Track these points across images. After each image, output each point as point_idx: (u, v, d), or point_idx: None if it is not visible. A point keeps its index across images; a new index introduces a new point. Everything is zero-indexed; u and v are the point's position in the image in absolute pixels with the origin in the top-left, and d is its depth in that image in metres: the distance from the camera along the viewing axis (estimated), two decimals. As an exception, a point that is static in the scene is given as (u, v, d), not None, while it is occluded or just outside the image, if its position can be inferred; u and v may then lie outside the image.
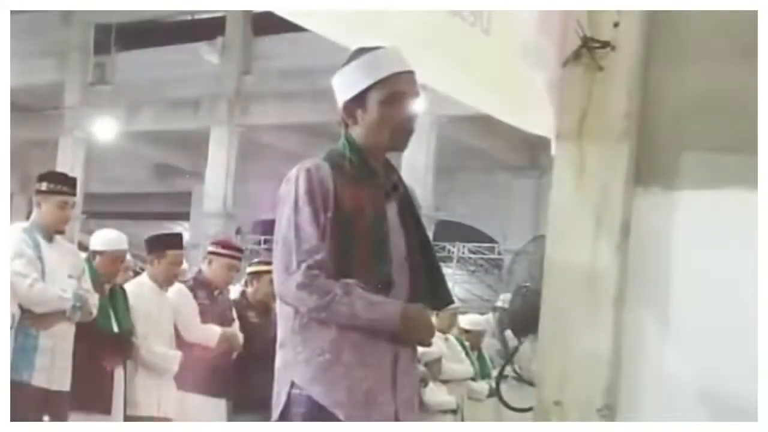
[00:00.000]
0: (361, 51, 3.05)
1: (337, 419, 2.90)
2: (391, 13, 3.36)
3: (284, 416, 2.95)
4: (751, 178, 3.52)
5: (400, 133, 3.04)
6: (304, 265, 2.89)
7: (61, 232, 5.72)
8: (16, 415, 5.04)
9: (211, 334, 6.21)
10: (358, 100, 3.03)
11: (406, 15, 3.42)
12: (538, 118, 4.18)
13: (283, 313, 3.02)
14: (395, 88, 3.01)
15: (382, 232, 3.01)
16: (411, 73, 3.04)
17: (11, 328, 5.20)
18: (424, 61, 3.19)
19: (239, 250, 6.76)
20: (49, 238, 5.60)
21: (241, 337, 6.39)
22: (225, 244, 6.62)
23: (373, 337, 2.94)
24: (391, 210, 3.08)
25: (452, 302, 3.37)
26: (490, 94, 4.03)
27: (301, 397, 2.93)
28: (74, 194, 5.75)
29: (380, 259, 2.98)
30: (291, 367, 2.96)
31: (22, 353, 5.37)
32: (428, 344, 3.24)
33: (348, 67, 3.05)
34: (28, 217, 5.75)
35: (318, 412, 2.90)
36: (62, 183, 5.70)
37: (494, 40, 3.81)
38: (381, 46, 3.06)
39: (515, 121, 4.37)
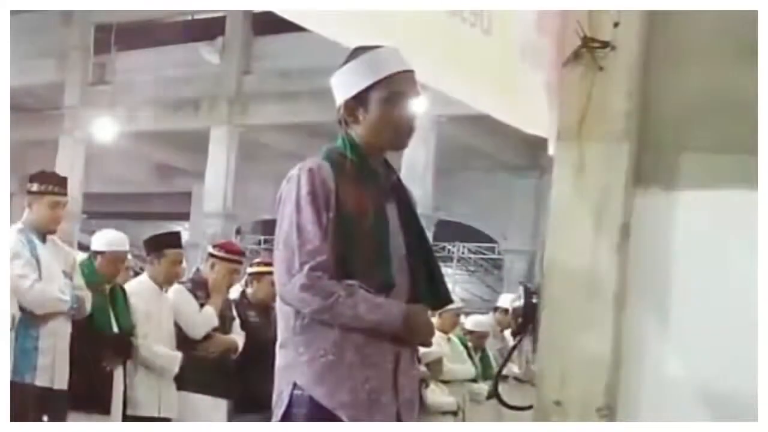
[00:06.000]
0: (361, 50, 3.05)
1: (339, 420, 2.90)
2: (391, 13, 3.36)
3: (286, 417, 2.95)
4: (751, 178, 3.51)
5: (402, 132, 3.05)
6: (306, 267, 2.89)
7: (53, 232, 5.70)
8: (20, 415, 5.06)
9: (210, 317, 6.20)
10: (359, 99, 3.02)
11: (406, 15, 3.42)
12: (536, 118, 4.18)
13: (283, 313, 3.01)
14: (396, 88, 3.01)
15: (383, 232, 3.01)
16: (411, 72, 3.04)
17: (11, 329, 5.20)
18: (424, 61, 3.20)
19: (242, 254, 6.71)
20: (43, 239, 5.60)
21: (241, 336, 6.39)
22: (228, 248, 6.57)
23: (375, 338, 2.94)
24: (391, 210, 3.08)
25: (452, 302, 3.38)
26: (489, 94, 4.04)
27: (303, 398, 2.92)
28: (65, 194, 5.71)
29: (382, 260, 2.98)
30: (293, 367, 2.96)
31: (23, 355, 5.38)
32: (429, 345, 3.24)
33: (348, 66, 3.05)
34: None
35: (320, 413, 2.90)
36: (53, 183, 5.67)
37: (494, 40, 3.81)
38: (380, 45, 3.06)
39: (514, 121, 4.38)
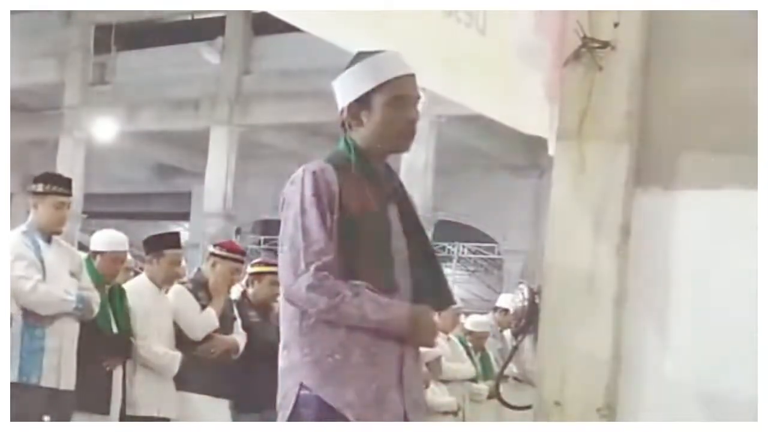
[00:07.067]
0: (363, 54, 3.08)
1: (346, 420, 2.91)
2: (387, 15, 3.37)
3: (293, 417, 2.96)
4: (751, 178, 3.52)
5: (404, 135, 3.07)
6: (312, 267, 2.90)
7: (58, 233, 5.72)
8: (25, 416, 5.08)
9: (211, 319, 6.20)
10: (362, 102, 3.05)
11: (401, 16, 3.43)
12: (534, 118, 4.18)
13: (287, 314, 3.02)
14: (399, 91, 3.04)
15: (385, 234, 3.03)
16: (413, 75, 3.07)
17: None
18: (420, 62, 3.21)
19: (243, 253, 6.70)
20: (48, 239, 5.61)
21: (242, 336, 6.38)
22: (229, 248, 6.56)
23: (380, 338, 2.96)
24: (393, 212, 3.10)
25: (454, 303, 3.40)
26: (484, 95, 4.05)
27: (310, 398, 2.94)
28: (70, 194, 5.75)
29: (384, 262, 3.00)
30: (298, 368, 2.97)
31: (30, 355, 5.39)
32: (432, 345, 3.26)
33: (351, 70, 3.07)
34: (27, 219, 5.76)
35: (327, 413, 2.92)
36: (58, 184, 5.71)
37: (490, 40, 3.82)
38: (382, 49, 3.09)
39: (510, 122, 4.39)
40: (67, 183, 5.78)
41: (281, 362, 3.03)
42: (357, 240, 2.96)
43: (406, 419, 3.01)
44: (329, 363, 2.93)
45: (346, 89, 3.08)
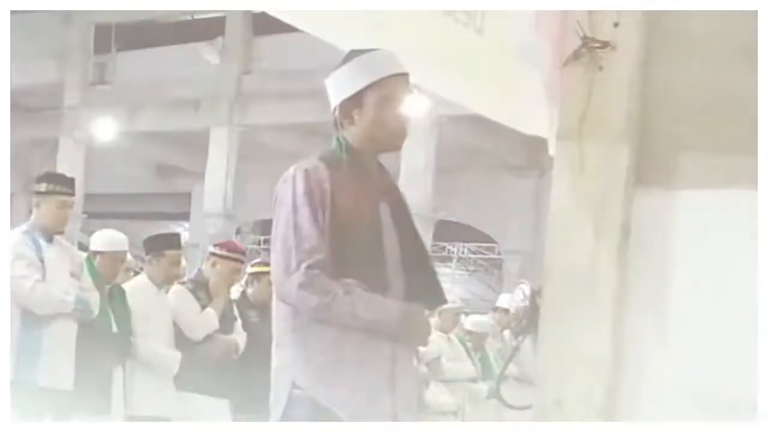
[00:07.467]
0: (356, 52, 3.08)
1: (338, 419, 2.90)
2: (385, 15, 3.37)
3: (285, 416, 2.96)
4: (751, 178, 3.51)
5: (396, 134, 3.08)
6: (304, 265, 2.90)
7: (60, 232, 5.73)
8: (25, 416, 5.09)
9: (211, 320, 6.20)
10: (355, 100, 3.04)
11: (399, 16, 3.43)
12: (532, 118, 4.18)
13: (280, 313, 3.02)
14: (391, 90, 3.03)
15: (377, 232, 3.02)
16: (406, 75, 3.07)
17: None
18: (417, 62, 3.20)
19: (243, 253, 6.72)
20: (49, 239, 5.62)
21: (242, 336, 6.39)
22: (230, 247, 6.57)
23: (372, 337, 2.95)
24: (385, 211, 3.09)
25: (446, 302, 3.39)
26: (484, 95, 4.05)
27: (302, 396, 2.94)
28: (73, 194, 5.78)
29: (376, 260, 3.00)
30: (291, 367, 2.97)
31: (26, 355, 5.40)
32: (425, 344, 3.26)
33: (343, 68, 3.07)
34: (28, 218, 5.77)
35: (319, 412, 2.92)
36: (61, 183, 5.73)
37: (488, 40, 3.82)
38: (375, 48, 3.08)
39: (509, 122, 4.39)
40: (69, 183, 5.80)
41: (274, 361, 3.03)
42: (349, 238, 2.95)
43: (397, 418, 3.00)
44: (321, 362, 2.93)
45: (338, 87, 3.07)
